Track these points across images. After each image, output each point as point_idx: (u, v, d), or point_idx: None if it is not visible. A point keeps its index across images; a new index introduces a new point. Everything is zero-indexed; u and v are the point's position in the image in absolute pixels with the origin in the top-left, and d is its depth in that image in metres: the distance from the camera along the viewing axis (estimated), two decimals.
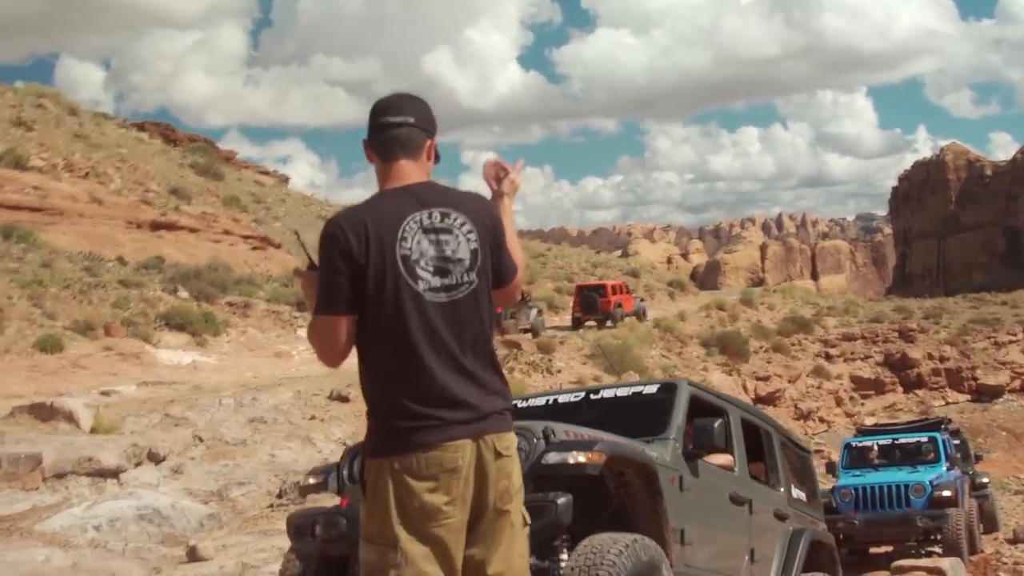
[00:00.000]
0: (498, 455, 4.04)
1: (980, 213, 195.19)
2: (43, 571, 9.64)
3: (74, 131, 50.69)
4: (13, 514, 11.96)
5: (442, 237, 4.06)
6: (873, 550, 20.99)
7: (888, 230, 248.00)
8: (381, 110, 4.23)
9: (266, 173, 79.51)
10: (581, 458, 6.48)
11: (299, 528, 7.09)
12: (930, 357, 56.08)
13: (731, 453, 9.03)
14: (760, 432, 10.08)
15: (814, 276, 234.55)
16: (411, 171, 4.16)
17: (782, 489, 10.07)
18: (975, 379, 55.12)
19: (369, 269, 3.95)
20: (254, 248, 48.23)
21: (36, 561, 9.93)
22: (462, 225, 4.09)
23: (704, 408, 8.76)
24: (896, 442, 23.11)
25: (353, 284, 3.95)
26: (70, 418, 16.03)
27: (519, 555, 4.13)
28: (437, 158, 4.29)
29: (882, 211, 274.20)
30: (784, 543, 9.65)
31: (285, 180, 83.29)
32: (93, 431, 16.01)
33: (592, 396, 9.12)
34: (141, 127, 68.53)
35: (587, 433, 7.08)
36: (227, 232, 47.66)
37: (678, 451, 7.97)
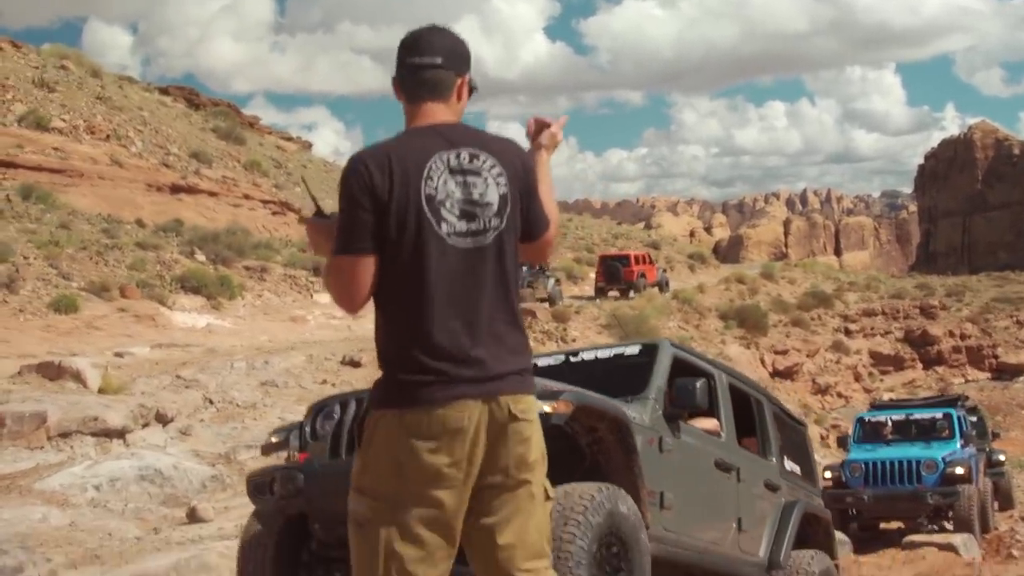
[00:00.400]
0: (514, 418, 3.75)
1: (1007, 192, 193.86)
2: (40, 530, 9.57)
3: (96, 93, 50.64)
4: (15, 472, 11.91)
5: (470, 179, 3.76)
6: (884, 526, 20.63)
7: (913, 208, 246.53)
8: (409, 47, 3.88)
9: (289, 139, 79.39)
10: (545, 407, 5.89)
11: (257, 486, 6.89)
12: (951, 334, 55.85)
13: (718, 419, 8.70)
14: (751, 401, 9.69)
15: (837, 252, 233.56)
16: (439, 113, 3.86)
17: (774, 459, 9.65)
18: (996, 357, 54.89)
19: (392, 207, 3.65)
20: (274, 213, 48.28)
21: (33, 519, 9.86)
22: (491, 168, 3.80)
23: (689, 371, 8.31)
24: (910, 418, 22.54)
25: (375, 222, 3.65)
26: (78, 377, 15.99)
27: (535, 529, 3.82)
28: (471, 91, 3.98)
29: (908, 188, 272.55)
30: (775, 515, 9.26)
31: (308, 146, 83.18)
32: (101, 391, 15.96)
33: (572, 359, 8.78)
34: (165, 91, 68.53)
35: (557, 385, 6.60)
36: (247, 196, 47.74)
37: (658, 412, 7.61)
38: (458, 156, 3.76)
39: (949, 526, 19.12)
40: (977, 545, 17.08)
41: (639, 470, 6.86)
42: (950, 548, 15.61)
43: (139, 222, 37.68)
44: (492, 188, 3.79)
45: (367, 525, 3.69)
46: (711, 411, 8.45)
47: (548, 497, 3.89)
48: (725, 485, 8.44)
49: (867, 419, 22.91)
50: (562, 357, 8.89)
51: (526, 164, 3.93)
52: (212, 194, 45.70)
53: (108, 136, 45.04)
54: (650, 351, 8.32)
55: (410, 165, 3.69)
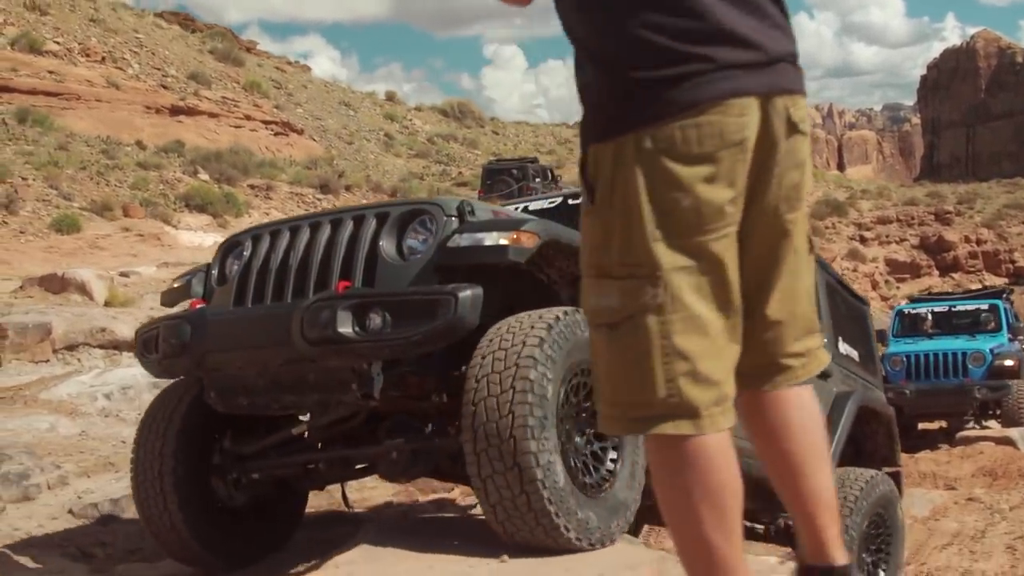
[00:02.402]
0: (791, 129, 2.52)
1: (1011, 101, 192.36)
2: (47, 439, 8.82)
3: (90, 16, 49.60)
4: (19, 385, 11.15)
5: None
6: (923, 426, 19.71)
7: (916, 120, 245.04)
8: None
9: (288, 63, 78.28)
10: (503, 240, 4.83)
11: (145, 343, 5.59)
12: (967, 240, 55.26)
13: None
14: None
15: (840, 167, 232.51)
16: None
17: (825, 340, 7.66)
18: (1012, 262, 54.40)
19: None
20: (276, 134, 47.62)
21: (39, 429, 9.10)
22: None
23: None
24: (953, 309, 21.22)
25: None
26: (83, 290, 15.30)
27: (806, 293, 2.69)
28: None
29: (909, 101, 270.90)
30: (825, 407, 7.42)
31: (307, 69, 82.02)
32: (107, 304, 15.24)
33: (571, 201, 7.27)
34: (159, 16, 67.44)
35: (532, 217, 5.54)
36: (248, 117, 47.01)
37: None
38: None
39: (994, 424, 18.16)
40: None
41: None
42: (1007, 442, 14.91)
43: (139, 144, 37.05)
44: None
45: (624, 324, 2.43)
46: None
47: (811, 248, 2.73)
48: None
49: (907, 311, 21.63)
50: (559, 199, 7.49)
51: None
52: (212, 115, 44.92)
53: (104, 58, 44.12)
54: None
55: None
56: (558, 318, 4.79)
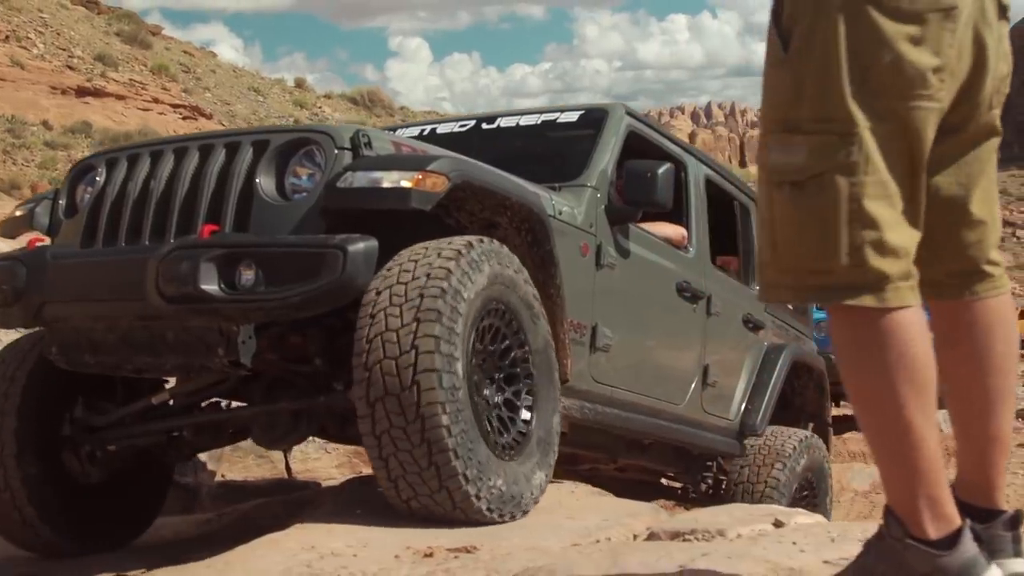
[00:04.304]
0: (1001, 12, 2.40)
1: None
2: None
3: None
4: None
5: None
6: (840, 411, 19.36)
7: None
8: None
9: (196, 49, 77.30)
10: (404, 182, 4.02)
11: None
12: None
13: (686, 225, 6.46)
14: (733, 206, 7.34)
15: (742, 164, 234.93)
16: None
17: (758, 288, 7.47)
18: None
19: None
20: (184, 118, 46.94)
21: None
22: None
23: (650, 154, 6.04)
24: None
25: None
26: None
27: (997, 198, 2.55)
28: None
29: None
30: (755, 363, 7.11)
31: (213, 55, 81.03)
32: None
33: (485, 126, 6.39)
34: None
35: (427, 148, 4.75)
36: (156, 100, 46.40)
37: (599, 208, 5.43)
38: None
39: None
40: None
41: (559, 290, 4.85)
42: None
43: (45, 124, 36.44)
44: None
45: (810, 183, 2.28)
46: (676, 215, 6.29)
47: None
48: (689, 320, 6.34)
49: None
50: (471, 123, 6.53)
51: None
52: (120, 97, 44.30)
53: (7, 37, 43.22)
54: (595, 119, 5.98)
55: None
56: (470, 245, 4.11)
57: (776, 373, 7.10)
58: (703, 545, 3.33)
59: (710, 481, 6.92)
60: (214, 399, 5.11)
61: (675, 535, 3.70)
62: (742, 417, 6.85)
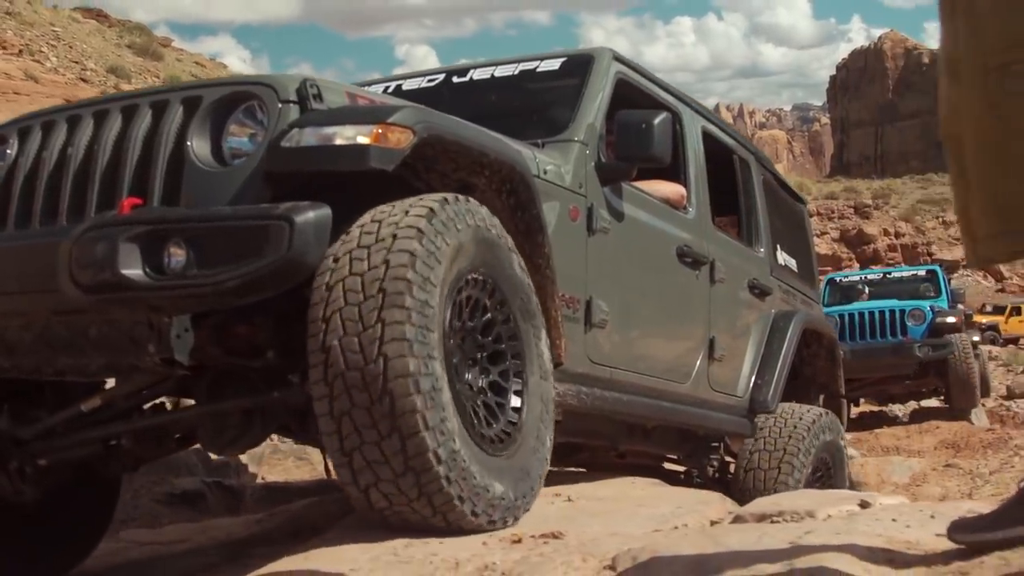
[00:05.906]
0: None
1: (918, 101, 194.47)
2: None
3: (4, 8, 48.72)
4: None
5: None
6: (859, 409, 18.32)
7: (825, 120, 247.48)
8: None
9: (208, 60, 77.65)
10: (361, 137, 3.43)
11: None
12: (886, 233, 56.09)
13: (684, 183, 5.84)
14: (734, 161, 6.71)
15: None
16: None
17: (762, 250, 6.73)
18: (930, 255, 55.23)
19: None
20: None
21: None
22: None
23: (644, 105, 5.42)
24: (888, 276, 19.71)
25: None
26: None
27: None
28: None
29: (818, 101, 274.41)
30: (763, 333, 6.56)
31: (223, 67, 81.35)
32: None
33: (457, 79, 5.74)
34: (76, 10, 66.58)
35: (388, 99, 4.26)
36: None
37: (588, 165, 4.84)
38: None
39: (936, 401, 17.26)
40: (985, 414, 16.19)
41: (548, 260, 4.23)
42: (961, 417, 15.06)
43: None
44: None
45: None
46: (673, 171, 5.64)
47: None
48: (691, 288, 5.76)
49: (839, 280, 19.96)
50: (441, 76, 5.85)
51: None
52: None
53: (21, 51, 43.29)
54: (580, 67, 5.34)
55: None
56: (444, 201, 3.53)
57: (787, 344, 6.57)
58: (799, 525, 3.27)
59: (716, 464, 6.45)
60: (160, 400, 4.53)
61: (762, 517, 3.64)
62: (751, 393, 6.33)
